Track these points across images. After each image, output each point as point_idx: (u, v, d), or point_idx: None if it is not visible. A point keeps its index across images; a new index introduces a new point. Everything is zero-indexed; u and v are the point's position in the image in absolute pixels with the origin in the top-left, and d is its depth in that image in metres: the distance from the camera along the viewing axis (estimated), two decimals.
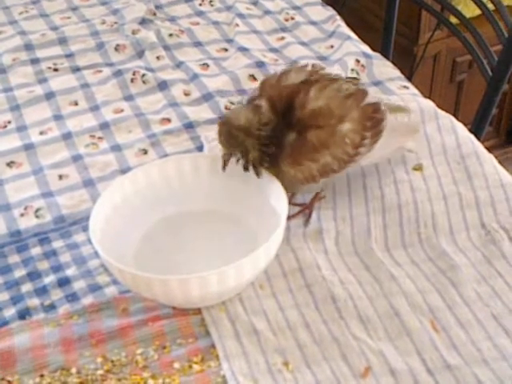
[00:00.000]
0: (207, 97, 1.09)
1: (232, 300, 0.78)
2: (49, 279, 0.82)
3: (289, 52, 1.19)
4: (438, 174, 0.92)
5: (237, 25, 1.25)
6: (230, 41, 1.23)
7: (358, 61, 1.13)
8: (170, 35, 1.23)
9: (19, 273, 0.83)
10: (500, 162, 0.94)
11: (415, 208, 0.87)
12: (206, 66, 1.16)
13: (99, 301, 0.79)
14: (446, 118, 1.00)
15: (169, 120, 1.05)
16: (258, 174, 0.81)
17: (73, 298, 0.80)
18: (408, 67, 1.57)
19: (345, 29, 1.23)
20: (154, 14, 1.30)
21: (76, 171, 0.97)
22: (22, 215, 0.90)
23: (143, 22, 1.27)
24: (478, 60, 1.26)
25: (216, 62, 1.17)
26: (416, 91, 1.08)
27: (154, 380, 0.71)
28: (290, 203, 0.83)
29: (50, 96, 1.10)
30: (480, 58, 1.26)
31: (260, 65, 1.14)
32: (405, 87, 1.09)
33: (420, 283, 0.79)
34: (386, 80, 1.11)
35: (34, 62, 1.18)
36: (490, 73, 1.22)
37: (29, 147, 1.01)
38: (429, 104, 1.02)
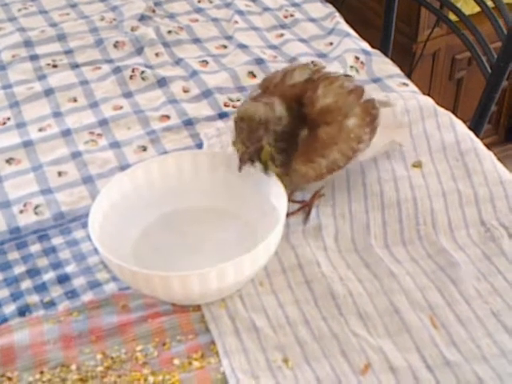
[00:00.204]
0: (206, 94, 1.08)
1: (232, 297, 0.78)
2: (48, 276, 0.82)
3: (288, 49, 1.19)
4: (437, 170, 0.92)
5: (236, 22, 1.25)
6: (229, 38, 1.23)
7: (357, 58, 1.13)
8: (169, 32, 1.23)
9: (19, 269, 0.83)
10: (499, 159, 0.94)
11: (414, 205, 0.87)
12: (205, 62, 1.16)
13: (99, 297, 0.79)
14: (445, 115, 1.00)
15: (168, 117, 1.05)
16: (267, 171, 0.80)
17: (72, 294, 0.80)
18: (407, 64, 1.57)
19: (344, 26, 1.23)
20: (153, 11, 1.30)
21: (75, 168, 0.97)
22: (21, 212, 0.90)
23: (142, 18, 1.27)
24: (478, 57, 1.26)
25: (215, 59, 1.17)
26: (415, 88, 1.08)
27: (153, 376, 0.71)
28: (290, 200, 0.83)
29: (49, 93, 1.10)
30: (479, 55, 1.26)
31: (259, 62, 1.14)
32: (404, 84, 1.09)
33: (419, 280, 0.79)
34: (386, 77, 1.11)
35: (33, 58, 1.18)
36: (489, 70, 1.22)
37: (28, 144, 1.01)
38: (428, 101, 1.02)
